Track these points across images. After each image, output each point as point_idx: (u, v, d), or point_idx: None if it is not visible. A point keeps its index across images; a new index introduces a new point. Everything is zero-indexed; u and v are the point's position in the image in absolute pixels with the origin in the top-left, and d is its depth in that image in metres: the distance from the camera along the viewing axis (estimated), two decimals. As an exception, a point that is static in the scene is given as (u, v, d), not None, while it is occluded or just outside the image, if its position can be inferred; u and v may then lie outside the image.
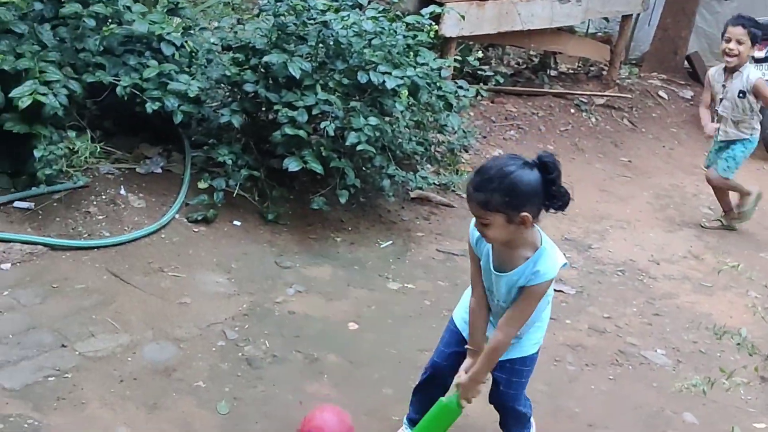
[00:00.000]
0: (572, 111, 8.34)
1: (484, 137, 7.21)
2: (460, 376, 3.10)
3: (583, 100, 8.62)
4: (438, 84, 5.31)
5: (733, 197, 6.54)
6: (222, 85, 5.30)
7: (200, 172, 5.25)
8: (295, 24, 5.01)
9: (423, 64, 5.17)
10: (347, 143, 4.83)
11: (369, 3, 5.42)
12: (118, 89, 4.74)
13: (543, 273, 2.88)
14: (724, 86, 6.16)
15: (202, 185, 5.11)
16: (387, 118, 5.12)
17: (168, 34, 4.97)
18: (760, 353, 3.20)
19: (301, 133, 4.79)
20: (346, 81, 4.97)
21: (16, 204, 4.60)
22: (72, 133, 4.79)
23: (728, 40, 5.99)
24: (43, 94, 4.32)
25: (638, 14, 9.79)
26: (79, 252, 4.43)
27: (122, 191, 4.98)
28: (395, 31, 5.12)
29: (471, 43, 7.84)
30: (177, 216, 4.94)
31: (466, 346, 3.17)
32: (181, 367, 3.75)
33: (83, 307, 4.02)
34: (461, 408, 3.13)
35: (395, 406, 3.65)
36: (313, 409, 3.34)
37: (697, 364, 4.45)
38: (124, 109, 5.11)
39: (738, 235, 6.48)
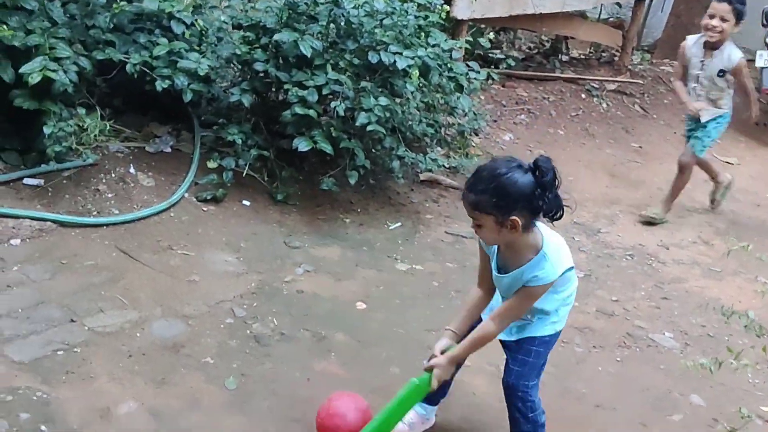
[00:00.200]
0: (583, 96, 8.31)
1: (495, 121, 7.19)
2: (436, 356, 3.08)
3: (595, 85, 8.59)
4: (449, 65, 5.30)
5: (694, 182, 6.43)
6: (232, 64, 5.29)
7: (209, 152, 5.25)
8: (306, 3, 5.00)
9: (434, 45, 5.15)
10: (357, 123, 4.81)
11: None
12: (128, 67, 4.74)
13: (542, 277, 2.88)
14: (702, 62, 5.88)
15: (211, 165, 5.11)
16: (397, 99, 5.10)
17: (178, 12, 4.97)
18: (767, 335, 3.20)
19: (311, 112, 4.78)
20: (356, 61, 4.95)
21: (26, 181, 4.61)
22: (81, 111, 4.79)
23: (711, 16, 5.72)
24: (53, 71, 4.32)
25: (651, 0, 9.73)
26: (88, 229, 4.44)
27: (131, 170, 4.98)
28: (406, 12, 5.10)
29: (482, 26, 7.81)
30: (186, 195, 4.95)
31: (445, 327, 3.17)
32: (190, 343, 3.76)
33: (92, 284, 4.03)
34: (431, 387, 3.10)
35: (402, 385, 3.64)
36: (329, 397, 3.30)
37: (705, 347, 4.44)
38: (133, 88, 5.11)
39: (748, 222, 6.46)
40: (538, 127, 7.44)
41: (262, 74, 5.07)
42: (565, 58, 9.31)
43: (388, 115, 4.88)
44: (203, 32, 5.12)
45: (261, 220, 4.98)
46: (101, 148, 5.00)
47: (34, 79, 4.25)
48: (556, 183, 2.79)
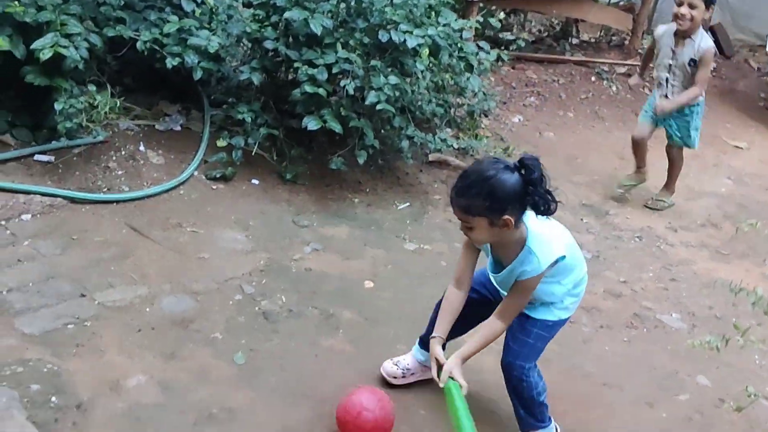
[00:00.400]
0: (593, 79, 8.29)
1: (504, 103, 7.18)
2: (443, 363, 3.08)
3: (604, 68, 8.57)
4: (459, 45, 5.28)
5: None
6: (242, 42, 5.29)
7: (219, 131, 5.27)
8: (316, -19, 5.00)
9: (445, 25, 5.14)
10: (367, 102, 4.81)
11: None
12: (139, 44, 4.75)
13: (530, 271, 2.92)
14: (673, 51, 5.64)
15: (220, 143, 5.12)
16: (407, 79, 5.09)
17: (189, -11, 4.97)
18: (776, 314, 3.19)
19: (321, 91, 4.78)
20: (366, 40, 4.94)
21: (37, 157, 4.63)
22: (92, 88, 4.80)
23: (680, 4, 5.47)
24: (64, 47, 4.33)
25: (662, -17, 9.67)
26: (98, 205, 4.47)
27: (141, 147, 5.00)
28: (417, -10, 5.09)
29: (493, 7, 7.78)
30: (196, 173, 4.97)
31: (432, 336, 3.19)
32: (199, 319, 3.78)
33: (102, 259, 4.06)
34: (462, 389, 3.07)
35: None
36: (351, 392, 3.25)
37: (712, 328, 4.45)
38: (143, 66, 5.13)
39: (757, 206, 6.45)
40: (547, 109, 7.43)
41: (272, 53, 5.07)
42: (575, 41, 9.28)
43: (397, 94, 4.87)
44: (213, 10, 5.12)
45: (270, 198, 4.99)
46: (111, 126, 5.02)
47: (46, 54, 4.26)
48: (544, 180, 2.82)
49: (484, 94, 5.84)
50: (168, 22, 4.84)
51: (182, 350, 3.55)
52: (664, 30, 5.75)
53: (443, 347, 3.18)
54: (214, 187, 4.93)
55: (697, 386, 3.94)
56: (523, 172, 2.80)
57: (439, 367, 3.08)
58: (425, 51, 4.87)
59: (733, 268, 5.24)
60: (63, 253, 4.04)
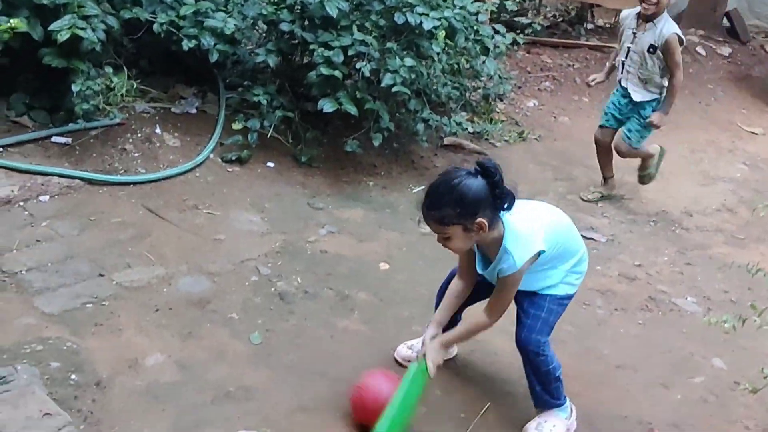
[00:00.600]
0: (607, 64, 8.23)
1: (519, 87, 7.17)
2: (425, 346, 3.18)
3: (620, 53, 8.51)
4: (475, 28, 5.28)
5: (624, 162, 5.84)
6: (257, 25, 5.30)
7: (234, 114, 5.29)
8: (332, -37, 4.99)
9: (461, 8, 5.13)
10: (383, 84, 4.82)
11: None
12: (155, 26, 4.77)
13: (507, 269, 2.98)
14: (634, 34, 5.28)
15: (236, 126, 5.15)
16: (423, 62, 5.09)
17: (205, -29, 4.98)
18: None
19: (337, 73, 4.79)
20: (382, 22, 4.95)
21: (54, 139, 4.65)
22: (109, 70, 4.82)
23: None
24: (82, 29, 4.35)
25: (678, -32, 9.61)
26: (115, 187, 4.50)
27: (157, 130, 5.02)
28: (433, -28, 5.08)
29: (508, -9, 7.75)
30: (211, 156, 4.99)
31: (431, 319, 3.31)
32: (215, 299, 3.81)
33: (119, 240, 4.09)
34: (429, 376, 3.14)
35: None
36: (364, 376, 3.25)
37: (728, 312, 4.40)
38: (159, 48, 5.15)
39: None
40: (562, 94, 7.42)
41: (287, 35, 5.08)
42: (590, 25, 9.24)
43: (413, 76, 4.88)
44: (229, -8, 5.14)
45: (285, 181, 5.01)
46: (128, 108, 5.04)
47: (63, 36, 4.28)
48: (503, 179, 2.89)
49: (500, 77, 5.83)
50: (184, 4, 4.86)
51: (199, 330, 3.58)
52: (628, 13, 5.43)
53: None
54: (230, 169, 4.95)
55: (713, 369, 3.94)
56: (485, 175, 2.87)
57: None
58: (441, 33, 4.87)
59: (749, 252, 5.22)
60: (81, 233, 4.07)
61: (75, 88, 4.47)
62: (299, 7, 4.98)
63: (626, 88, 5.41)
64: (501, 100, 6.31)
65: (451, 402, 3.38)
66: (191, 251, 4.14)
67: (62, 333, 3.36)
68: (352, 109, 4.87)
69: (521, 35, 6.13)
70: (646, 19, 5.22)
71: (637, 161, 5.82)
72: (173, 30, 4.81)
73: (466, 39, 5.23)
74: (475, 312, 3.23)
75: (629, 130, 5.49)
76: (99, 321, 3.48)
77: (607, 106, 5.62)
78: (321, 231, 4.58)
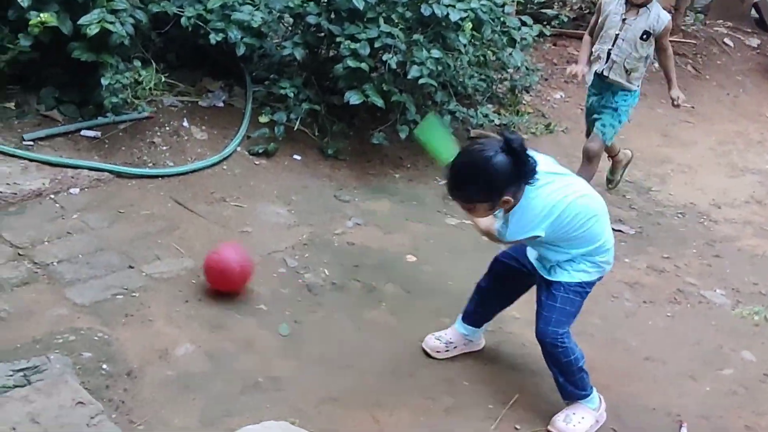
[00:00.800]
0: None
1: (546, 80, 7.14)
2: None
3: (646, 44, 8.45)
4: (502, 19, 5.27)
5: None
6: (284, 18, 5.31)
7: (261, 107, 5.31)
8: (358, -44, 5.00)
9: (487, -1, 5.13)
10: (409, 76, 4.82)
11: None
12: (183, 20, 4.80)
13: (500, 231, 3.09)
14: (624, 20, 4.92)
15: (263, 119, 5.17)
16: (449, 53, 5.08)
17: (232, -35, 5.00)
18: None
19: (363, 65, 4.79)
20: (408, 14, 4.95)
21: (84, 132, 4.69)
22: (137, 64, 4.86)
23: None
24: (111, 23, 4.38)
25: (706, -41, 9.52)
26: (144, 180, 4.53)
27: (185, 123, 5.05)
28: (459, -36, 5.07)
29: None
30: (238, 149, 5.01)
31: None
32: (243, 291, 3.83)
33: (149, 232, 4.12)
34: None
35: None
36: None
37: (757, 304, 4.41)
38: (186, 42, 5.19)
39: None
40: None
41: (314, 28, 5.09)
42: (616, 17, 9.16)
43: (440, 68, 4.88)
44: (256, -15, 5.15)
45: (311, 174, 5.03)
46: (156, 102, 5.08)
47: (93, 30, 4.31)
48: (528, 155, 2.89)
49: (526, 69, 5.82)
50: (212, -2, 4.88)
51: (228, 321, 3.60)
52: None
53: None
54: (257, 162, 4.98)
55: (742, 361, 3.92)
56: (511, 154, 2.85)
57: None
58: (468, 25, 4.87)
59: (778, 245, 5.20)
60: (111, 226, 4.11)
61: (104, 81, 4.50)
62: (326, 0, 4.98)
63: (606, 78, 5.01)
64: (527, 92, 6.29)
65: (479, 393, 3.39)
66: (219, 243, 4.16)
67: (93, 324, 3.39)
68: (379, 101, 4.88)
69: (548, 27, 6.11)
70: (637, 3, 4.88)
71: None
72: (200, 24, 4.84)
73: (493, 31, 5.21)
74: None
75: (604, 125, 5.09)
76: (129, 312, 3.52)
77: (586, 115, 5.33)
78: (348, 223, 4.59)
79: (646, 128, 6.89)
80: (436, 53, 4.84)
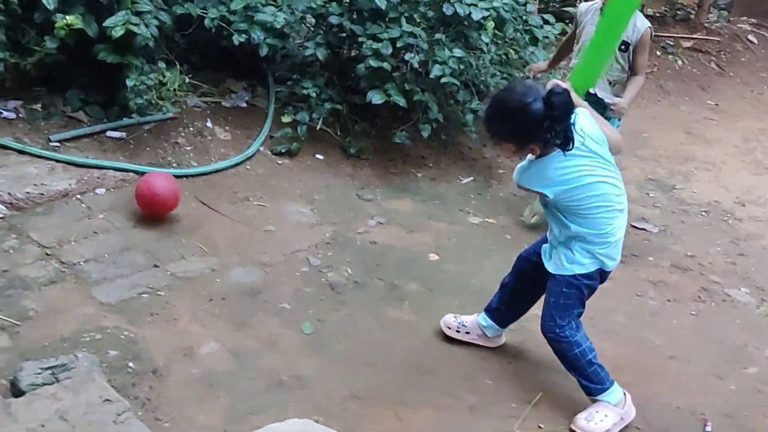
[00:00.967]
0: (658, 53, 8.14)
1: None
2: None
3: (670, 42, 8.42)
4: (524, 17, 5.26)
5: None
6: (306, 19, 5.33)
7: (284, 107, 5.33)
8: (380, -44, 5.01)
9: (509, -3, 5.12)
10: (431, 76, 4.83)
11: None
12: (206, 21, 4.83)
13: (516, 170, 3.14)
14: None
15: (285, 119, 5.19)
16: (472, 52, 5.08)
17: (254, -34, 5.02)
18: None
19: (385, 65, 4.80)
20: (431, 13, 4.95)
21: (109, 133, 4.74)
22: (162, 65, 4.90)
23: None
24: (135, 25, 4.41)
25: (730, -44, 9.45)
26: (168, 180, 4.57)
27: (209, 123, 5.09)
28: (481, -37, 5.07)
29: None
30: (261, 148, 5.04)
31: None
32: (267, 289, 3.86)
33: (173, 231, 4.16)
34: None
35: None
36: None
37: (783, 303, 4.39)
38: (210, 44, 5.22)
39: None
40: (611, 84, 7.33)
41: (336, 28, 5.10)
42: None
43: (462, 67, 4.88)
44: (279, -14, 5.17)
45: (334, 173, 5.05)
46: (180, 103, 5.11)
47: (118, 32, 4.35)
48: (568, 115, 2.88)
49: (549, 67, 5.78)
50: (234, -1, 4.90)
51: (252, 319, 3.63)
52: (587, 7, 4.64)
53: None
54: (280, 161, 5.00)
55: (766, 360, 3.89)
56: (548, 106, 2.85)
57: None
58: (490, 24, 4.86)
59: (805, 243, 5.15)
60: (136, 225, 4.15)
61: (129, 83, 4.55)
62: (348, 0, 5.00)
63: (594, 94, 4.40)
64: (550, 90, 6.26)
65: (502, 391, 3.40)
66: (243, 242, 4.20)
67: (120, 322, 3.44)
68: (401, 101, 4.89)
69: (570, 25, 6.07)
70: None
71: None
72: (224, 25, 4.87)
73: (515, 29, 5.21)
74: None
75: None
76: (155, 310, 3.56)
77: None
78: (370, 222, 4.61)
79: (670, 126, 6.85)
80: (458, 52, 4.84)
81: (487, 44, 5.05)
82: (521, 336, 3.73)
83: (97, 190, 4.33)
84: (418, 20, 4.94)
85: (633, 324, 3.98)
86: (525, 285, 3.48)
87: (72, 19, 4.35)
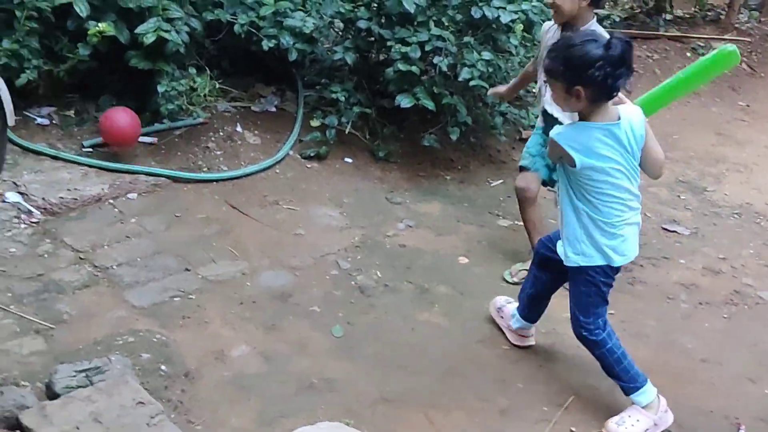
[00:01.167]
0: (688, 55, 8.08)
1: (596, 80, 7.07)
2: None
3: (700, 44, 8.34)
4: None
5: None
6: (335, 23, 5.36)
7: (313, 111, 5.36)
8: (408, -39, 5.02)
9: (538, 0, 5.10)
10: (460, 79, 4.83)
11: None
12: (236, 27, 4.87)
13: (552, 131, 3.10)
14: None
15: (314, 123, 5.22)
16: (500, 55, 5.08)
17: (283, -28, 5.06)
18: None
19: (414, 69, 4.81)
20: (459, 17, 4.96)
21: (141, 139, 4.78)
22: (192, 71, 4.95)
23: None
24: (166, 31, 4.47)
25: (761, -45, 9.35)
26: (199, 184, 4.61)
27: (239, 128, 5.13)
28: (509, -34, 5.06)
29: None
30: (291, 152, 5.07)
31: None
32: (297, 293, 3.88)
33: (204, 235, 4.20)
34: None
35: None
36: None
37: (817, 306, 4.33)
38: (239, 49, 5.26)
39: None
40: (641, 85, 7.26)
41: (364, 32, 5.12)
42: (668, 16, 9.04)
43: (490, 70, 4.88)
44: (307, -9, 5.21)
45: (363, 176, 5.06)
46: (210, 108, 5.16)
47: (149, 39, 4.41)
48: (625, 62, 2.86)
49: (577, 68, 5.77)
50: (264, 4, 4.94)
51: (282, 322, 3.65)
52: (549, 26, 4.24)
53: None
54: (309, 165, 5.03)
55: (801, 363, 3.85)
56: (607, 48, 2.85)
57: None
58: (519, 26, 4.86)
59: (838, 245, 5.08)
60: (167, 229, 4.19)
61: (160, 89, 4.60)
62: (376, 5, 5.02)
63: (552, 115, 4.02)
64: (578, 92, 6.24)
65: (533, 395, 3.39)
66: (273, 246, 4.22)
67: (152, 325, 3.47)
68: (430, 104, 4.90)
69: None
70: (564, 29, 4.02)
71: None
72: (253, 30, 4.91)
73: (544, 32, 5.19)
74: None
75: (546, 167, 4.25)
76: (186, 314, 3.59)
77: (529, 146, 4.33)
78: (399, 225, 4.62)
79: (700, 127, 6.79)
80: (486, 55, 4.84)
81: (515, 47, 5.05)
82: (552, 339, 3.73)
83: (129, 195, 4.38)
84: (447, 24, 4.94)
85: (664, 327, 3.95)
86: (546, 270, 3.49)
87: (104, 27, 4.41)
